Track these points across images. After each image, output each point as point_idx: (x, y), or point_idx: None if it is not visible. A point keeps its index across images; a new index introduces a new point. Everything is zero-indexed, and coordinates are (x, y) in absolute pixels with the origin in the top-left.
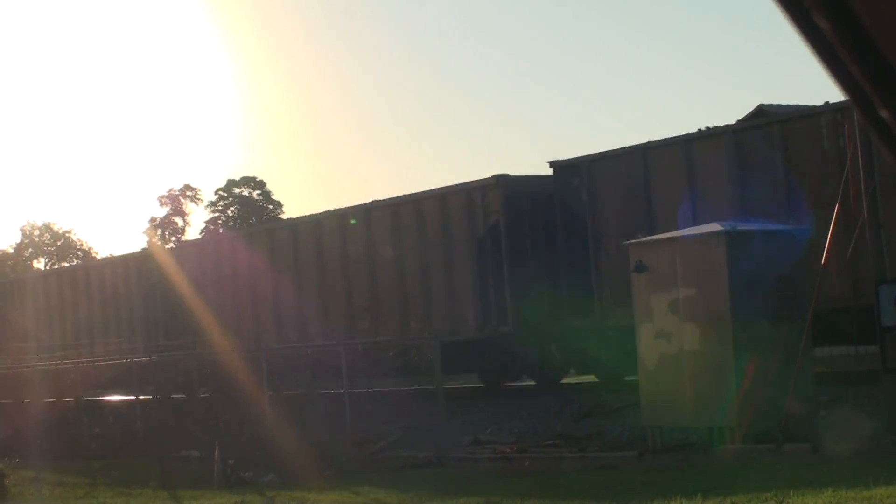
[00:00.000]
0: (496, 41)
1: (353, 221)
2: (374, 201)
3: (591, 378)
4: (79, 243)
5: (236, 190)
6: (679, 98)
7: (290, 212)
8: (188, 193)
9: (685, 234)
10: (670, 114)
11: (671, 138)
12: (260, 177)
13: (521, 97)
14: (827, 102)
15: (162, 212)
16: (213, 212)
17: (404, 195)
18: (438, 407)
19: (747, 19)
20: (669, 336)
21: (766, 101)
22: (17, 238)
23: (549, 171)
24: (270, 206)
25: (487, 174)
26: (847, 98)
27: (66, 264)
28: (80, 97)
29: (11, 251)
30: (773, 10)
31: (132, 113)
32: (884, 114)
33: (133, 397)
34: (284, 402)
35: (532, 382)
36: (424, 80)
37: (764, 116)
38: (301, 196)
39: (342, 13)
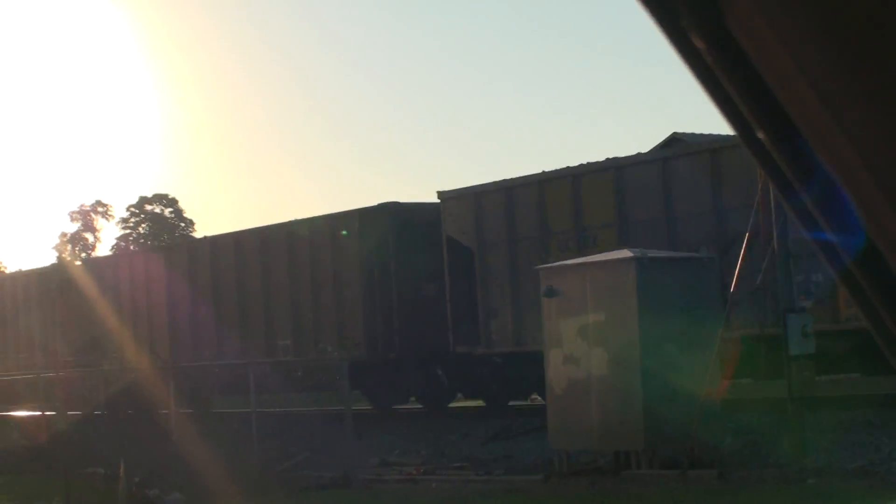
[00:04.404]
0: (397, 71)
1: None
2: (267, 226)
3: (479, 402)
4: None
5: (148, 207)
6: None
7: (201, 230)
8: (99, 209)
9: (596, 259)
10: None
11: (560, 170)
12: (172, 194)
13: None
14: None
15: (73, 227)
16: (124, 228)
17: (297, 220)
18: (346, 427)
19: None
20: (578, 361)
21: (679, 130)
22: None
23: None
24: (182, 224)
25: (384, 199)
26: (724, 119)
27: None
28: None
29: None
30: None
31: (44, 126)
32: (760, 135)
33: (39, 412)
34: (192, 420)
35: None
36: (334, 105)
37: (678, 144)
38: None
39: (250, 36)
